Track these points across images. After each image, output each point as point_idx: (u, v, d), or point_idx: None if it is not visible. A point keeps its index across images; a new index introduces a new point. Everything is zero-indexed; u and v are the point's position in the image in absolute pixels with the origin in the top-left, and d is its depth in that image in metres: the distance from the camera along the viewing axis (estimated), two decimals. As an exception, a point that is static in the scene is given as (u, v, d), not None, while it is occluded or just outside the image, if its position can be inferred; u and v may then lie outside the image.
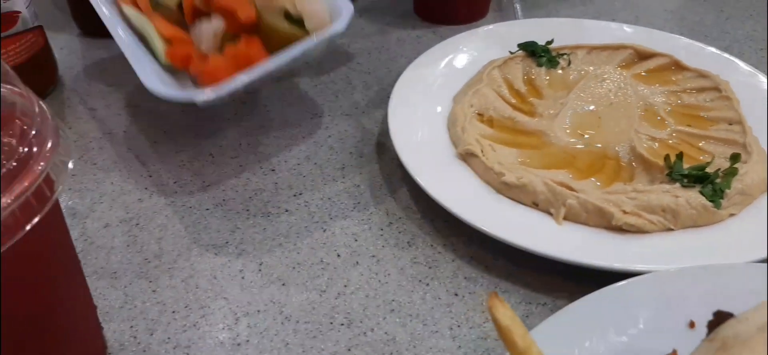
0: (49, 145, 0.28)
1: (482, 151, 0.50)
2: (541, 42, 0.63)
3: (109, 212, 0.49)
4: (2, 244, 0.25)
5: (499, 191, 0.48)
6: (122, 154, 0.55)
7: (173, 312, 0.42)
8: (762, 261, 0.41)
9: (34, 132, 0.28)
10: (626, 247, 0.44)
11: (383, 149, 0.56)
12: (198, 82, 0.49)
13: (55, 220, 0.32)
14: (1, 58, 0.32)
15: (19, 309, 0.30)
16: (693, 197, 0.46)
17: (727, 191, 0.46)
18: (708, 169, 0.47)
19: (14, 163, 0.26)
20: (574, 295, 0.43)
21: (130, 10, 0.54)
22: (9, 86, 0.30)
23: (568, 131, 0.53)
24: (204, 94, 0.45)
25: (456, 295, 0.43)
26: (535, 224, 0.46)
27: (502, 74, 0.60)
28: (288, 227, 0.49)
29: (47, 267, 0.31)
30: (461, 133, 0.52)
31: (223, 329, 0.41)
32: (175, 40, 0.52)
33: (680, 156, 0.48)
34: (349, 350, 0.40)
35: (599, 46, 0.63)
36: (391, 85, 0.63)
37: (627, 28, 0.67)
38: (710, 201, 0.46)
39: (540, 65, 0.61)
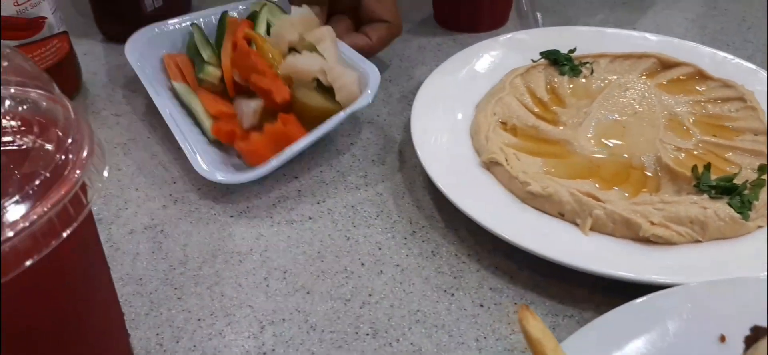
0: (85, 152, 0.28)
1: (506, 160, 0.50)
2: (563, 50, 0.62)
3: (134, 218, 0.50)
4: (38, 251, 0.25)
5: (523, 201, 0.48)
6: (146, 160, 0.56)
7: (199, 320, 0.42)
8: (793, 275, 0.40)
9: (70, 140, 0.28)
10: (654, 259, 0.44)
11: (405, 157, 0.56)
12: (242, 158, 0.54)
13: (89, 227, 0.32)
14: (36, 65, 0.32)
15: (51, 317, 0.30)
16: (721, 209, 0.45)
17: (755, 202, 0.46)
18: (735, 181, 0.47)
19: (51, 171, 0.26)
20: (600, 307, 0.43)
21: (179, 86, 0.58)
22: (44, 92, 0.31)
23: (592, 141, 0.53)
24: (247, 177, 0.50)
25: (482, 306, 0.43)
26: (561, 235, 0.45)
27: (525, 82, 0.60)
28: (312, 235, 0.48)
29: (80, 275, 0.31)
30: (485, 142, 0.52)
31: (249, 337, 0.41)
32: (220, 116, 0.56)
33: (708, 167, 0.48)
34: (375, 360, 0.40)
35: (622, 54, 0.63)
36: (413, 93, 0.64)
37: (649, 37, 0.67)
38: (738, 213, 0.45)
39: (562, 74, 0.61)
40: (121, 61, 0.69)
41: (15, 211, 0.25)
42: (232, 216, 0.50)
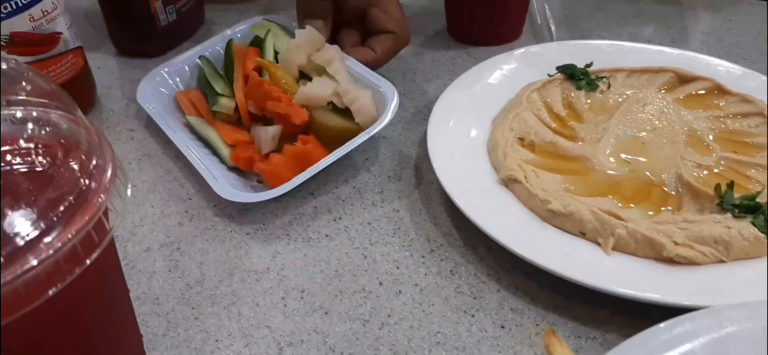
0: (108, 176, 0.28)
1: (525, 178, 0.49)
2: (578, 64, 0.62)
3: (150, 235, 0.49)
4: (62, 279, 0.25)
5: (544, 219, 0.47)
6: (161, 176, 0.55)
7: (217, 341, 0.42)
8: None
9: (93, 164, 0.28)
10: (677, 279, 0.43)
11: (422, 173, 0.55)
12: (263, 180, 0.53)
13: (110, 252, 0.32)
14: (57, 86, 0.32)
15: (73, 343, 0.29)
16: (745, 228, 0.44)
17: (780, 221, 0.45)
18: (758, 199, 0.46)
19: (75, 197, 0.26)
20: (623, 328, 0.42)
21: (194, 120, 0.58)
22: (66, 114, 0.30)
23: (611, 157, 0.52)
24: (269, 195, 0.49)
25: (502, 327, 0.42)
26: (583, 254, 0.45)
27: (542, 97, 0.59)
28: (328, 253, 0.48)
29: (101, 300, 0.31)
30: (503, 158, 0.51)
31: (267, 358, 0.41)
32: (237, 144, 0.56)
33: (731, 185, 0.47)
34: (395, 382, 0.39)
35: (639, 69, 0.62)
36: (427, 108, 0.63)
37: (666, 51, 0.66)
38: (762, 232, 0.44)
39: (579, 88, 0.60)
40: (134, 76, 0.69)
41: (39, 238, 0.24)
42: (248, 234, 0.49)
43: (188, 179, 0.55)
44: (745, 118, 0.57)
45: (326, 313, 0.43)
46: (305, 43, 0.59)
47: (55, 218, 0.25)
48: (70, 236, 0.25)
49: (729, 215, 0.46)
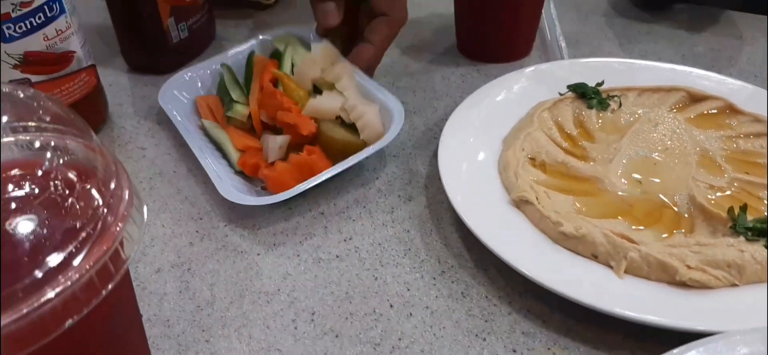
0: (125, 205, 0.28)
1: (537, 199, 0.49)
2: (588, 82, 0.62)
3: (160, 256, 0.49)
4: (79, 311, 0.25)
5: (555, 241, 0.47)
6: (172, 195, 0.55)
7: (228, 363, 0.42)
8: (839, 324, 0.39)
9: (109, 192, 0.28)
10: (690, 303, 0.43)
11: (432, 192, 0.55)
12: (266, 186, 0.55)
13: (125, 281, 0.32)
14: (67, 106, 0.32)
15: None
16: (758, 252, 0.44)
17: (794, 245, 0.44)
18: (772, 222, 0.46)
19: (92, 227, 0.26)
20: (635, 352, 0.42)
21: (208, 124, 0.60)
22: (82, 141, 0.30)
23: (623, 179, 0.52)
24: (269, 200, 0.51)
25: (514, 351, 0.42)
26: (595, 278, 0.44)
27: (553, 116, 0.59)
28: (339, 274, 0.48)
29: (116, 328, 0.31)
30: (514, 179, 0.51)
31: (278, 382, 0.40)
32: (246, 149, 0.58)
33: (744, 208, 0.47)
34: (407, 407, 0.39)
35: (650, 88, 0.62)
36: (437, 125, 0.63)
37: (677, 69, 0.66)
38: (776, 256, 0.44)
39: (590, 107, 0.60)
40: (146, 93, 0.69)
41: (57, 270, 0.24)
42: (258, 254, 0.50)
43: (199, 198, 0.55)
44: (757, 138, 0.57)
45: (337, 336, 0.43)
46: (321, 57, 0.61)
47: (73, 250, 0.25)
48: (87, 267, 0.25)
49: (742, 238, 0.45)
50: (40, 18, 0.53)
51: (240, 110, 0.60)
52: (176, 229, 0.52)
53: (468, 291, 0.46)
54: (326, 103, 0.57)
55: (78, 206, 0.27)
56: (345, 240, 0.51)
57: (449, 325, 0.44)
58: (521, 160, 0.53)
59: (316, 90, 0.61)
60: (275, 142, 0.55)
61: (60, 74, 0.57)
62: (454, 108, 0.60)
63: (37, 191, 0.27)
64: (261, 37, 0.68)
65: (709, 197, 0.50)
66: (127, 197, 0.28)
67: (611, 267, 0.45)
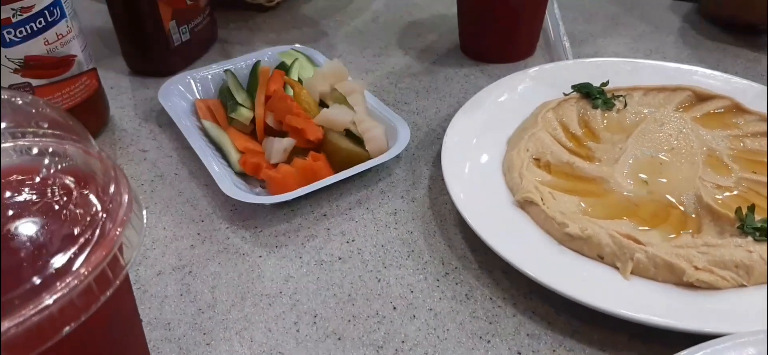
0: (124, 210, 0.28)
1: (542, 200, 0.48)
2: (593, 81, 0.61)
3: (161, 258, 0.49)
4: (77, 317, 0.25)
5: (561, 242, 0.46)
6: (173, 197, 0.55)
7: (230, 367, 0.41)
8: None
9: (108, 198, 0.28)
10: (698, 305, 0.42)
11: (435, 193, 0.55)
12: (267, 187, 0.55)
13: (124, 286, 0.32)
14: (64, 111, 0.32)
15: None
16: (766, 252, 0.43)
17: (802, 245, 0.44)
18: (780, 221, 0.45)
19: (90, 232, 0.26)
20: (642, 354, 0.41)
21: (208, 124, 0.60)
22: (81, 146, 0.30)
23: (629, 179, 0.52)
24: (272, 199, 0.51)
25: (519, 353, 0.42)
26: (601, 279, 0.44)
27: (557, 117, 0.58)
28: (342, 276, 0.48)
29: (114, 334, 0.30)
30: (519, 180, 0.51)
31: (281, 386, 0.40)
32: (247, 151, 0.58)
33: (752, 208, 0.46)
34: (410, 412, 0.39)
35: (656, 87, 0.62)
36: (440, 125, 0.63)
37: (683, 68, 0.65)
38: (785, 256, 0.43)
39: (595, 107, 0.59)
40: (147, 96, 0.69)
41: (54, 276, 0.24)
42: (260, 256, 0.49)
43: (200, 201, 0.55)
44: (764, 137, 0.56)
45: (339, 339, 0.43)
46: (330, 73, 0.62)
47: (71, 255, 0.25)
48: (85, 273, 0.25)
49: (750, 238, 0.45)
50: (40, 22, 0.53)
51: (244, 113, 0.60)
52: (177, 231, 0.52)
53: (472, 293, 0.46)
54: (338, 114, 0.57)
55: (76, 212, 0.26)
56: (347, 242, 0.50)
57: (453, 327, 0.43)
58: (526, 161, 0.52)
59: (323, 105, 0.61)
60: (281, 145, 0.56)
61: (61, 78, 0.56)
62: (457, 109, 0.60)
63: (35, 196, 0.27)
64: (269, 50, 0.69)
65: (717, 196, 0.49)
66: (126, 202, 0.28)
67: (617, 268, 0.44)
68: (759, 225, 0.45)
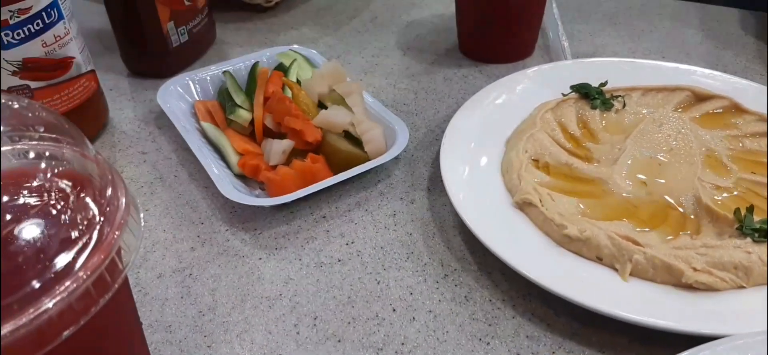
0: (121, 214, 0.28)
1: (541, 201, 0.48)
2: (591, 82, 0.61)
3: (162, 261, 0.49)
4: (76, 322, 0.25)
5: (559, 244, 0.46)
6: (173, 200, 0.55)
7: (229, 370, 0.41)
8: None
9: (105, 201, 0.28)
10: (697, 306, 0.42)
11: (434, 195, 0.55)
12: (266, 189, 0.55)
13: (124, 290, 0.32)
14: (58, 113, 0.32)
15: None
16: (765, 253, 0.44)
17: (801, 246, 0.44)
18: (778, 222, 0.45)
19: (88, 237, 0.26)
20: (641, 356, 0.42)
21: (207, 126, 0.60)
22: (78, 150, 0.30)
23: (628, 180, 0.51)
24: (272, 201, 0.51)
25: (519, 355, 0.42)
26: (600, 280, 0.44)
27: (556, 117, 0.58)
28: (341, 279, 0.48)
29: (114, 338, 0.30)
30: (517, 181, 0.51)
31: (280, 388, 0.40)
32: (246, 153, 0.58)
33: (751, 209, 0.46)
34: (410, 414, 0.39)
35: (655, 87, 0.62)
36: (439, 126, 0.63)
37: (681, 68, 0.65)
38: (783, 257, 0.43)
39: (594, 108, 0.59)
40: (146, 97, 0.69)
41: (52, 280, 0.24)
42: (260, 259, 0.49)
43: (200, 203, 0.55)
44: (763, 137, 0.56)
45: (339, 341, 0.43)
46: (329, 74, 0.62)
47: (69, 259, 0.25)
48: (83, 277, 0.25)
49: (749, 239, 0.45)
50: (38, 24, 0.53)
51: (243, 115, 0.60)
52: (177, 234, 0.52)
53: (471, 295, 0.46)
54: (336, 116, 0.57)
55: (74, 216, 0.26)
56: (347, 244, 0.50)
57: (452, 329, 0.43)
58: (524, 162, 0.52)
59: (321, 106, 0.61)
60: (279, 146, 0.56)
61: (59, 80, 0.56)
62: (456, 109, 0.60)
63: (32, 200, 0.27)
64: (267, 51, 0.69)
65: (715, 197, 0.49)
66: (123, 205, 0.28)
67: (616, 270, 0.44)
68: (758, 226, 0.45)
